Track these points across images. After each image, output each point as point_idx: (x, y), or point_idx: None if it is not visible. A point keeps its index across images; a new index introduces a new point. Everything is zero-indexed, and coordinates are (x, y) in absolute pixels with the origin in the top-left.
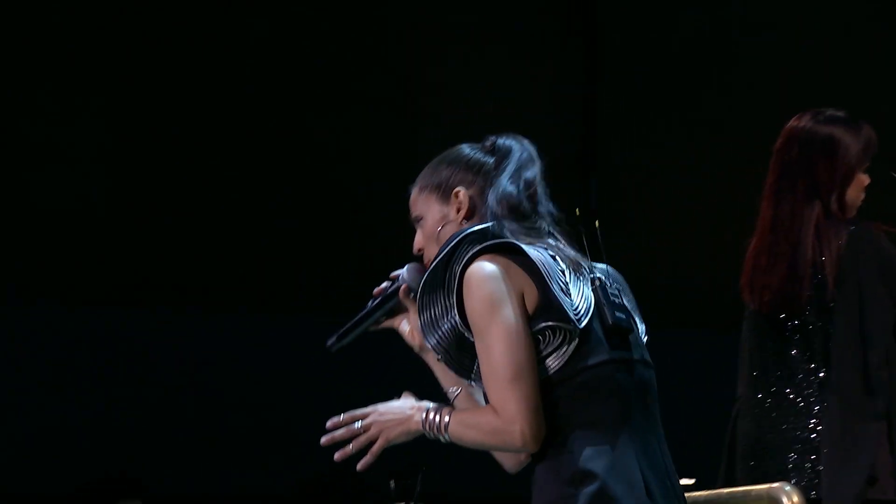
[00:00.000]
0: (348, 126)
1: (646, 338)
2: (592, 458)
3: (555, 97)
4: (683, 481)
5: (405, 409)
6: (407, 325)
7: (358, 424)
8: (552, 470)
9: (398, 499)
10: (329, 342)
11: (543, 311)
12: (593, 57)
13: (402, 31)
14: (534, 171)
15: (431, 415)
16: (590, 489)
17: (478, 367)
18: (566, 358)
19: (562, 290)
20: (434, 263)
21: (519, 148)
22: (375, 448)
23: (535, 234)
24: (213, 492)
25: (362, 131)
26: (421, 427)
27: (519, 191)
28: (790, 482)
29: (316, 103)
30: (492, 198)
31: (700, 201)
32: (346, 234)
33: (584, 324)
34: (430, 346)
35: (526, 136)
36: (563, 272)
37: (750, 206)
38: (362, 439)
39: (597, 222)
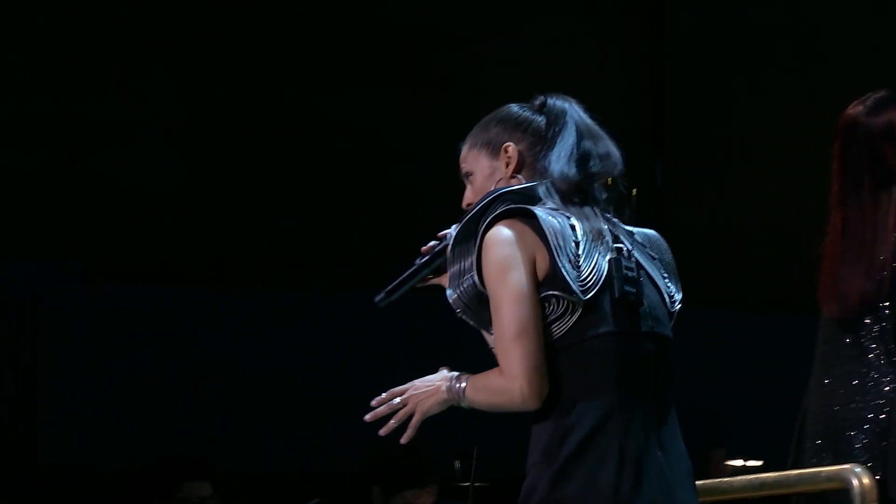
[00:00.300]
0: (412, 103)
1: (678, 306)
2: (576, 426)
3: (622, 73)
4: (751, 462)
5: (436, 381)
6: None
7: (397, 400)
8: (541, 432)
9: (463, 479)
10: (377, 298)
11: (550, 279)
12: (660, 33)
13: (467, 3)
14: (585, 135)
15: (454, 382)
16: (565, 453)
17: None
18: (568, 326)
19: (569, 261)
20: (467, 218)
21: (570, 110)
22: (414, 421)
23: (572, 201)
24: (282, 470)
25: (426, 108)
26: (450, 394)
27: (570, 155)
28: (860, 463)
29: (379, 80)
30: (543, 160)
31: (765, 179)
32: (408, 215)
33: (590, 296)
34: (449, 300)
35: (593, 113)
36: (577, 243)
37: (816, 186)
38: (401, 413)
39: (633, 190)
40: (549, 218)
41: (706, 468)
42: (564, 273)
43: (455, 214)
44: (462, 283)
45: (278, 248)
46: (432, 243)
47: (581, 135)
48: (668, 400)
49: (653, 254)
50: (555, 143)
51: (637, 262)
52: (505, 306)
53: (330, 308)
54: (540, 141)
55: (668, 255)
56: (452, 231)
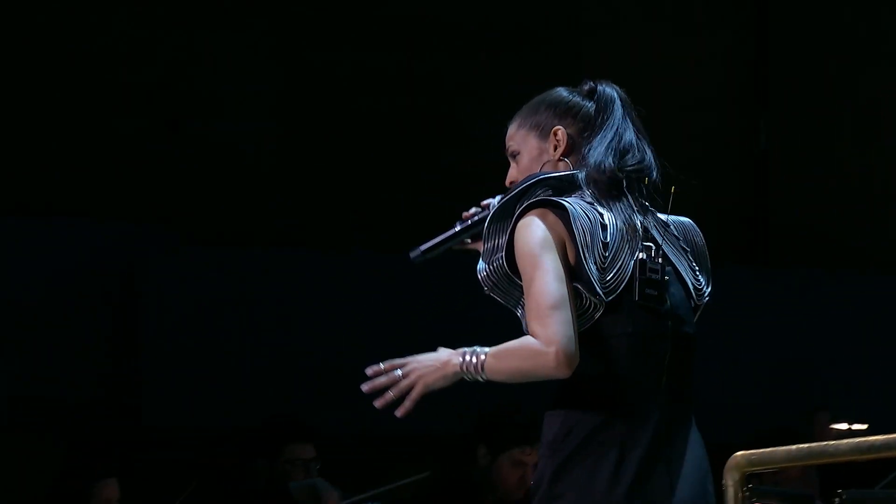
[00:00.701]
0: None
1: (706, 299)
2: (581, 422)
3: (726, 30)
4: (856, 426)
5: (441, 356)
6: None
7: (398, 372)
8: (550, 425)
9: None
10: (412, 254)
11: (576, 275)
12: None
13: None
14: (629, 127)
15: (468, 357)
16: (568, 449)
17: (524, 302)
18: (590, 323)
19: (595, 262)
20: (507, 197)
21: (618, 100)
22: (414, 394)
23: (609, 192)
24: (386, 432)
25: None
26: (459, 370)
27: (609, 145)
28: None
29: (478, 47)
30: (588, 150)
31: (873, 139)
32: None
33: (611, 298)
34: (479, 276)
35: (697, 73)
36: (605, 244)
37: None
38: (402, 385)
39: (672, 188)
40: (582, 214)
41: (811, 431)
42: (589, 274)
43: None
44: (493, 262)
45: (378, 211)
46: (473, 210)
47: (626, 126)
48: (683, 399)
49: (685, 246)
50: (600, 130)
51: (665, 259)
52: (542, 278)
53: (442, 270)
54: (588, 127)
55: (702, 245)
56: (495, 202)
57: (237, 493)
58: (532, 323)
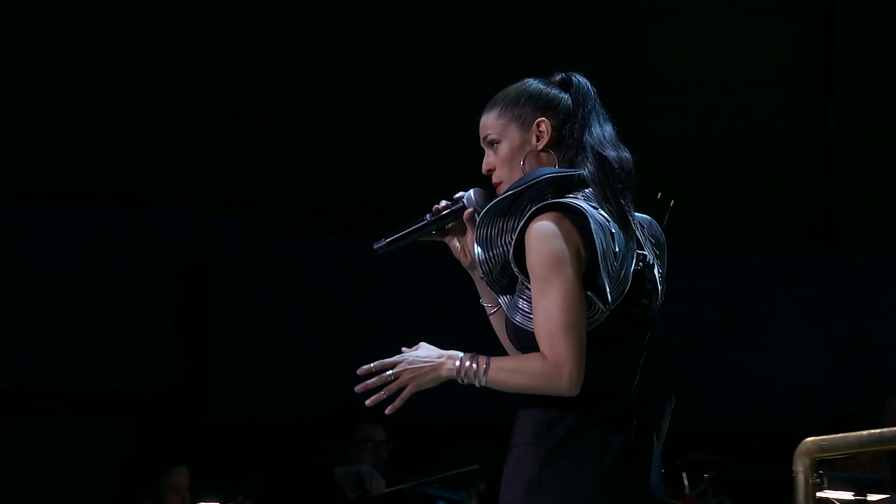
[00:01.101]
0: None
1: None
2: (566, 414)
3: (792, 8)
4: None
5: (433, 357)
6: (458, 244)
7: (389, 373)
8: (530, 416)
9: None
10: (377, 244)
11: (589, 282)
12: None
13: None
14: (608, 121)
15: (467, 362)
16: (555, 437)
17: (510, 291)
18: (594, 325)
19: (608, 272)
20: (508, 193)
21: (591, 90)
22: (405, 394)
23: (611, 193)
24: (456, 416)
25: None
26: (454, 374)
27: (611, 141)
28: None
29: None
30: (580, 140)
31: None
32: None
33: (613, 306)
34: (477, 262)
35: (765, 55)
36: (615, 254)
37: None
38: (393, 386)
39: (671, 202)
40: (598, 221)
41: (881, 417)
42: (605, 284)
43: None
44: (492, 249)
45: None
46: (444, 203)
47: (605, 120)
48: (645, 396)
49: (657, 250)
50: (588, 124)
51: (649, 267)
52: (557, 296)
53: None
54: (570, 119)
55: (664, 244)
56: (471, 195)
57: (301, 481)
58: (543, 341)
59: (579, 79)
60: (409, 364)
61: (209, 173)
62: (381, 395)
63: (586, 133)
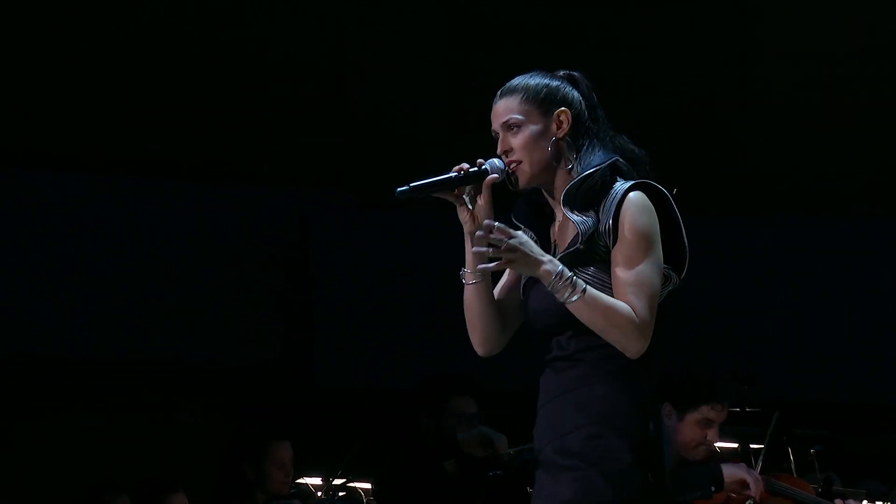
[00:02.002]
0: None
1: None
2: (646, 391)
3: None
4: None
5: (541, 254)
6: (470, 206)
7: (505, 240)
8: (618, 395)
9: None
10: (400, 189)
11: (670, 257)
12: None
13: None
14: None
15: (567, 274)
16: (645, 418)
17: (578, 263)
18: (661, 298)
19: (686, 246)
20: (592, 172)
21: (591, 88)
22: (498, 265)
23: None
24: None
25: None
26: (549, 276)
27: (616, 136)
28: None
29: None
30: (596, 135)
31: None
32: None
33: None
34: (580, 228)
35: (868, 23)
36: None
37: None
38: (500, 252)
39: (674, 190)
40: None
41: None
42: (686, 255)
43: None
44: (587, 221)
45: None
46: (466, 165)
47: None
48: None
49: None
50: (599, 119)
51: None
52: (652, 267)
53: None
54: (583, 114)
55: None
56: (494, 161)
57: (406, 450)
58: (635, 298)
59: (582, 77)
60: (521, 245)
61: (312, 150)
62: (487, 250)
63: (600, 127)
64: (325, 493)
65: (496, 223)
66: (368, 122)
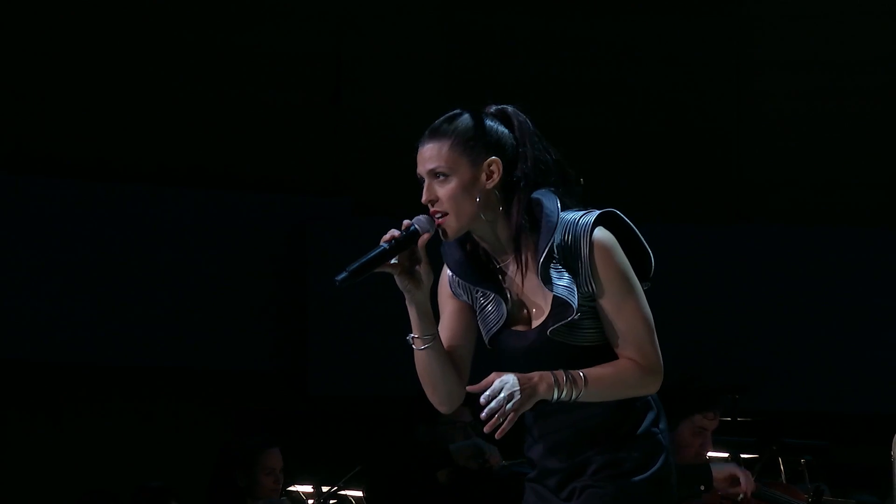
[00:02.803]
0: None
1: None
2: (660, 407)
3: None
4: None
5: (531, 381)
6: (405, 270)
7: (509, 406)
8: (638, 412)
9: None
10: (338, 277)
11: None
12: None
13: None
14: (546, 146)
15: (564, 377)
16: (664, 430)
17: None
18: None
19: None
20: (547, 244)
21: (526, 120)
22: (511, 419)
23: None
24: None
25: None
26: (551, 391)
27: (552, 164)
28: None
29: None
30: (526, 177)
31: None
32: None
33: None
34: (573, 310)
35: (867, 35)
36: None
37: None
38: (511, 417)
39: (579, 180)
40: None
41: None
42: (651, 262)
43: None
44: (574, 295)
45: None
46: (394, 231)
47: (538, 137)
48: None
49: None
50: (529, 159)
51: None
52: (639, 303)
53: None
54: (515, 157)
55: None
56: (422, 221)
57: (399, 457)
58: (633, 346)
59: (515, 111)
60: (518, 393)
61: (307, 157)
62: (503, 425)
63: (536, 164)
64: (317, 500)
65: (484, 397)
66: (364, 130)
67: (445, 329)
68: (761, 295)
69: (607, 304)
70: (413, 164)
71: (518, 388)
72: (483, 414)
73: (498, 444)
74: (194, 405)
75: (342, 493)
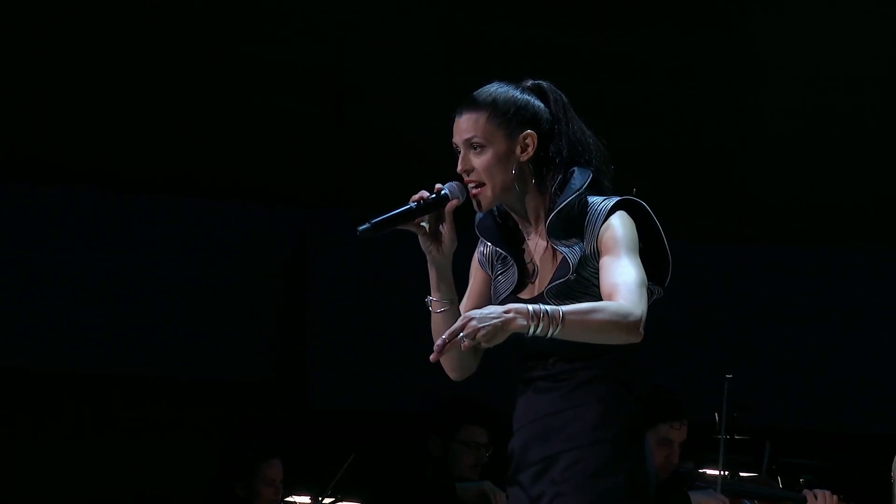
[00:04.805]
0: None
1: None
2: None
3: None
4: None
5: (499, 312)
6: (434, 233)
7: (461, 336)
8: (619, 409)
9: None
10: (361, 228)
11: (652, 271)
12: None
13: None
14: (579, 120)
15: (542, 309)
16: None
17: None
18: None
19: (669, 257)
20: (570, 197)
21: (561, 95)
22: (478, 344)
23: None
24: None
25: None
26: (525, 323)
27: (591, 149)
28: None
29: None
30: (564, 153)
31: None
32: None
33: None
34: (569, 269)
35: (870, 49)
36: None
37: None
38: (466, 343)
39: (634, 189)
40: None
41: None
42: (668, 268)
43: None
44: (574, 255)
45: None
46: (424, 192)
47: (580, 125)
48: None
49: None
50: (568, 130)
51: None
52: (636, 262)
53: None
54: (550, 133)
55: None
56: (453, 187)
57: (408, 471)
58: (622, 289)
59: (551, 87)
60: (479, 322)
61: (308, 167)
62: (459, 342)
63: (570, 139)
64: None
65: (439, 341)
66: (366, 141)
67: (469, 297)
68: (762, 313)
69: (604, 261)
70: (415, 173)
71: (483, 316)
72: (432, 356)
73: (483, 475)
74: (194, 415)
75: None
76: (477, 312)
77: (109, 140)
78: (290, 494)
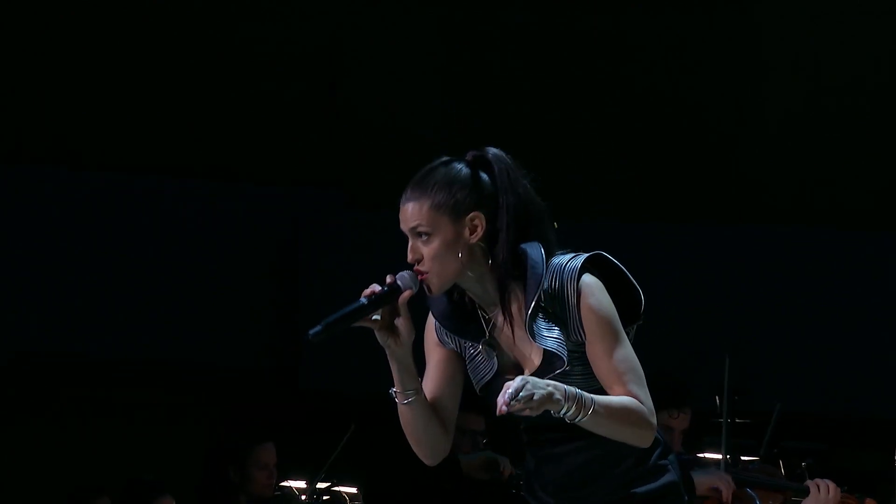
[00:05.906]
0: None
1: None
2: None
3: None
4: None
5: (545, 384)
6: (390, 328)
7: (521, 394)
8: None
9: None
10: (312, 331)
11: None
12: None
13: None
14: (527, 182)
15: (577, 395)
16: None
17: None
18: None
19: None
20: (533, 296)
21: (506, 161)
22: (527, 411)
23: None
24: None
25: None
26: (562, 402)
27: (535, 209)
28: None
29: None
30: (507, 229)
31: None
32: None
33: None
34: (563, 362)
35: (873, 35)
36: None
37: None
38: (520, 407)
39: (554, 224)
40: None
41: None
42: (641, 301)
43: None
44: (564, 350)
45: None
46: (375, 287)
47: (527, 191)
48: None
49: None
50: (511, 208)
51: None
52: (629, 349)
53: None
54: (496, 208)
55: None
56: (405, 278)
57: (404, 466)
58: (634, 391)
59: (496, 155)
60: (532, 385)
61: (301, 149)
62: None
63: (520, 221)
64: (310, 496)
65: (504, 398)
66: (359, 123)
67: (430, 379)
68: (761, 296)
69: (597, 350)
70: (407, 156)
71: (538, 387)
72: (502, 398)
73: (508, 454)
74: (187, 399)
75: (335, 489)
76: (530, 378)
77: (102, 123)
78: (285, 479)
